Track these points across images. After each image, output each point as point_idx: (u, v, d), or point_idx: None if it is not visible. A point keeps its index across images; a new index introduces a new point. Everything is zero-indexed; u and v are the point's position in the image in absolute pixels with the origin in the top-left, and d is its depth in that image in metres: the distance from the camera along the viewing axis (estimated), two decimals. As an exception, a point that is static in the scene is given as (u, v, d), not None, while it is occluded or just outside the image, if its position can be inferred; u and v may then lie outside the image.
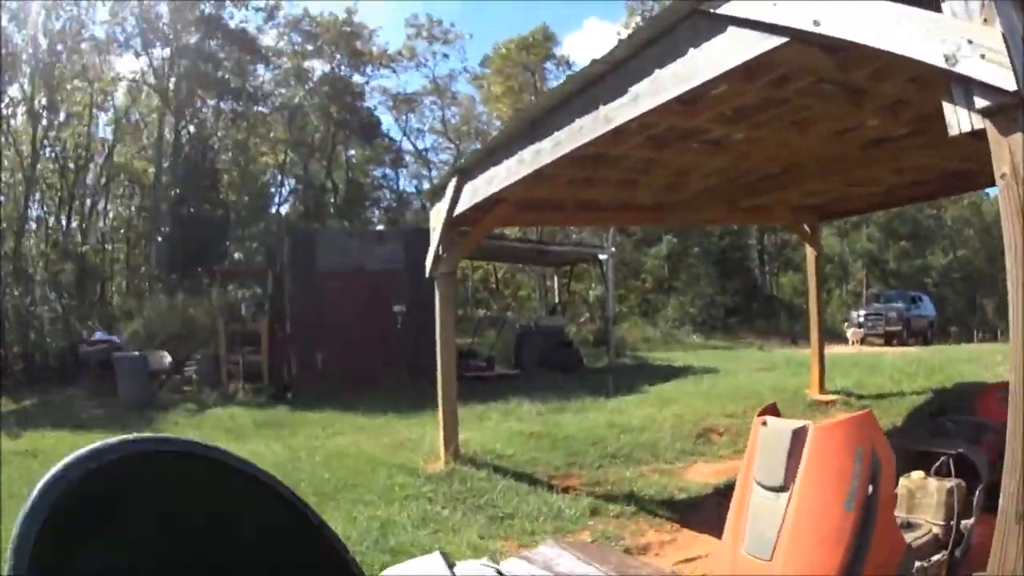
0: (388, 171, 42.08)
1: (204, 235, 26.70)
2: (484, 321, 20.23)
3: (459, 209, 6.49)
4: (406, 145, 41.19)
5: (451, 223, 6.77)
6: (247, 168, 34.20)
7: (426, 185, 43.02)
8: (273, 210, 37.72)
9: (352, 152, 38.95)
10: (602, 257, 18.75)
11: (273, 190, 38.31)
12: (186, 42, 30.06)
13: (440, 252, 7.07)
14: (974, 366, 11.72)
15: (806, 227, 10.14)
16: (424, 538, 5.04)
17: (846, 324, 30.67)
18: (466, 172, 6.39)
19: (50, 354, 17.94)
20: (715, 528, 3.84)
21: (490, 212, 7.15)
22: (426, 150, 41.78)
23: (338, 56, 35.24)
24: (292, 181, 37.90)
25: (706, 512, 5.71)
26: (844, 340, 31.27)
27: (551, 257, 18.72)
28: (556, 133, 4.93)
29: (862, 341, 26.87)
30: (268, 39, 33.98)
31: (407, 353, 13.79)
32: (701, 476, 6.80)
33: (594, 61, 4.36)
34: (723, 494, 5.75)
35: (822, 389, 9.85)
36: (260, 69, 34.46)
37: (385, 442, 8.42)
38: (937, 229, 43.03)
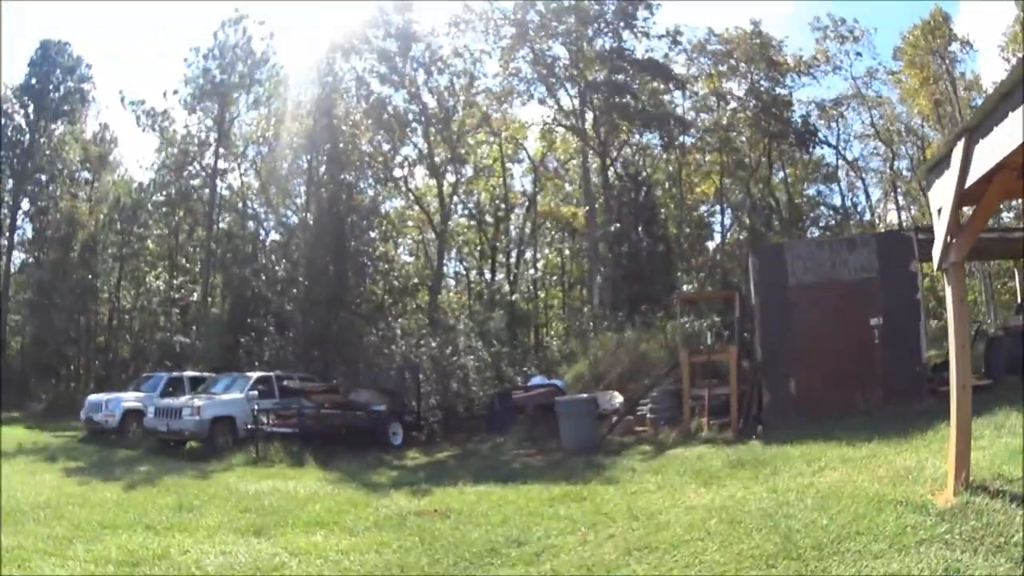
0: (822, 187, 40.15)
1: (647, 271, 26.85)
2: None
3: (971, 179, 5.15)
4: (833, 156, 38.50)
5: (960, 199, 5.43)
6: (683, 199, 34.70)
7: (861, 198, 40.22)
8: (715, 238, 37.94)
9: (784, 172, 37.50)
10: None
11: (712, 218, 38.57)
12: (594, 78, 31.33)
13: (948, 239, 5.72)
14: None
15: None
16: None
17: None
18: (975, 129, 5.04)
19: (476, 403, 17.77)
20: None
21: (991, 184, 5.64)
22: (856, 159, 38.69)
23: (755, 71, 34.31)
24: (728, 209, 37.71)
25: None
26: None
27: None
28: None
29: None
30: (678, 67, 34.32)
31: (886, 371, 12.20)
32: None
33: None
34: None
35: None
36: (677, 97, 34.89)
37: (880, 474, 7.16)
38: None
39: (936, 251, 5.95)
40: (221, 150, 32.32)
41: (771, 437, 11.09)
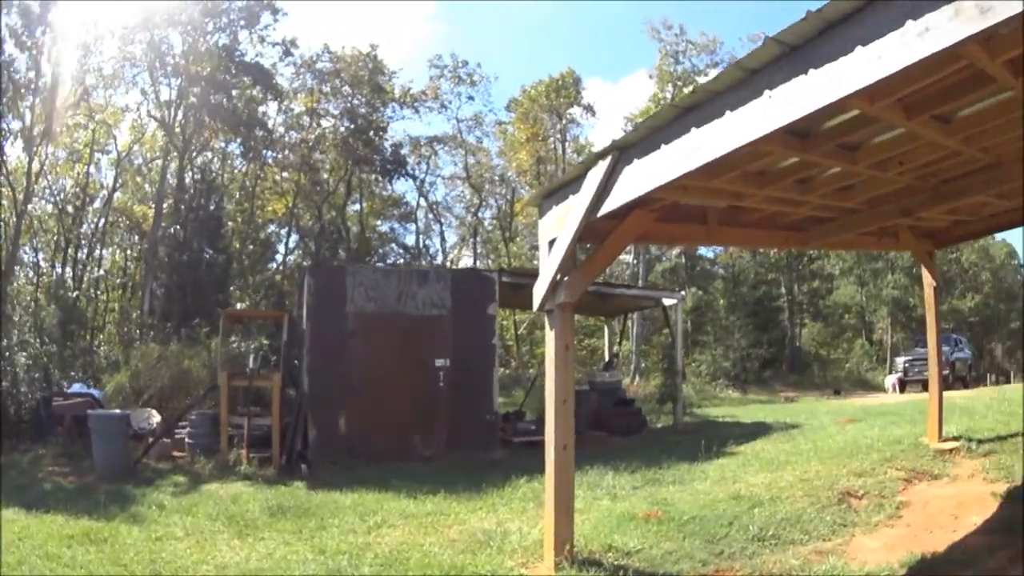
0: (397, 225, 41.01)
1: (204, 282, 24.69)
2: (526, 379, 18.20)
3: (611, 205, 4.50)
4: (415, 194, 39.88)
5: (586, 230, 4.78)
6: (253, 214, 32.52)
7: (436, 241, 42.23)
8: (278, 259, 36.06)
9: (361, 203, 37.42)
10: (669, 302, 16.46)
11: (278, 240, 36.70)
12: (197, 71, 28.37)
13: (559, 276, 5.03)
14: None
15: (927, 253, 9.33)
16: None
17: (891, 371, 30.20)
18: (628, 149, 4.42)
19: (24, 406, 15.22)
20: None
21: (623, 222, 5.26)
22: (438, 202, 40.47)
23: (358, 95, 33.78)
24: (296, 233, 36.23)
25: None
26: (874, 388, 30.21)
27: (614, 302, 16.44)
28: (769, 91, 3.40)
29: (903, 388, 25.89)
30: (283, 80, 32.65)
31: (452, 416, 11.77)
32: (871, 553, 5.49)
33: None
34: (918, 573, 4.94)
35: (940, 437, 9.03)
36: (272, 109, 32.96)
37: (453, 537, 6.23)
38: (958, 273, 42.99)
39: (540, 288, 5.19)
40: None
41: (318, 480, 9.78)
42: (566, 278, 5.02)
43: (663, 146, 4.10)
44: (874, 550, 5.54)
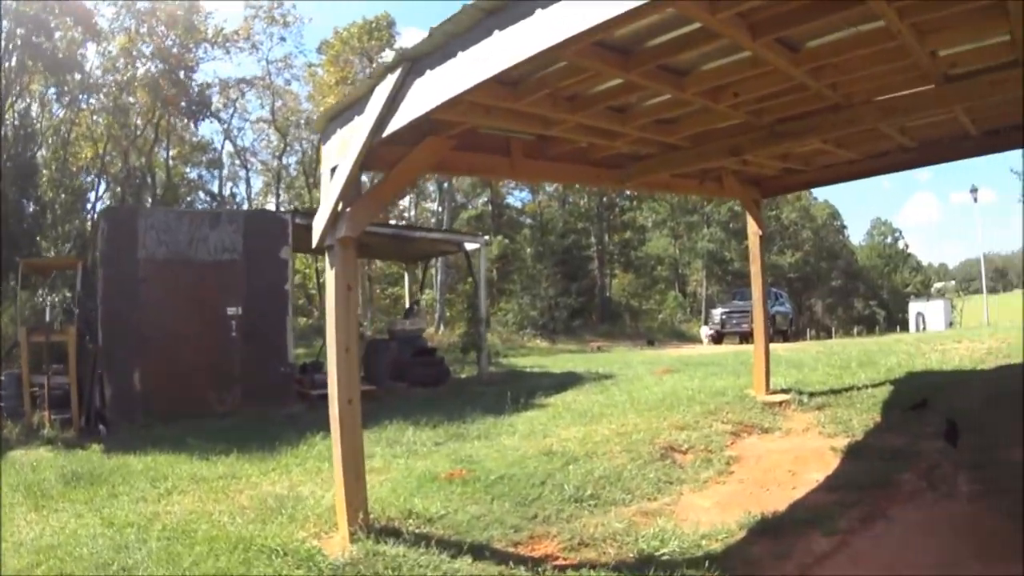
0: (204, 172, 38.73)
1: (16, 232, 21.81)
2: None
3: (399, 123, 3.98)
4: (221, 139, 37.88)
5: (371, 153, 4.30)
6: (66, 160, 29.43)
7: (242, 188, 40.10)
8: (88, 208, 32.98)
9: (168, 149, 34.74)
10: (472, 247, 15.95)
11: (91, 188, 33.51)
12: (22, 11, 24.79)
13: (340, 206, 4.55)
14: (896, 357, 11.15)
15: (753, 201, 9.02)
16: None
17: (707, 322, 30.92)
18: (421, 60, 3.87)
19: None
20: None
21: (415, 149, 4.82)
22: (245, 149, 38.43)
23: (173, 33, 30.88)
24: (106, 179, 33.14)
25: (765, 567, 4.17)
26: (691, 340, 31.69)
27: (415, 246, 15.96)
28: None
29: (719, 340, 26.83)
30: (104, 21, 29.26)
31: (246, 368, 11.00)
32: (704, 513, 5.14)
33: None
34: (761, 535, 4.57)
35: (768, 389, 8.73)
36: (91, 52, 29.71)
37: (244, 503, 5.63)
38: (778, 230, 45.32)
39: (320, 221, 4.62)
40: None
41: (115, 441, 8.85)
42: (348, 209, 4.48)
43: (459, 54, 3.58)
44: (707, 509, 5.23)
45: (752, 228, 9.05)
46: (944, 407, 7.08)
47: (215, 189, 38.51)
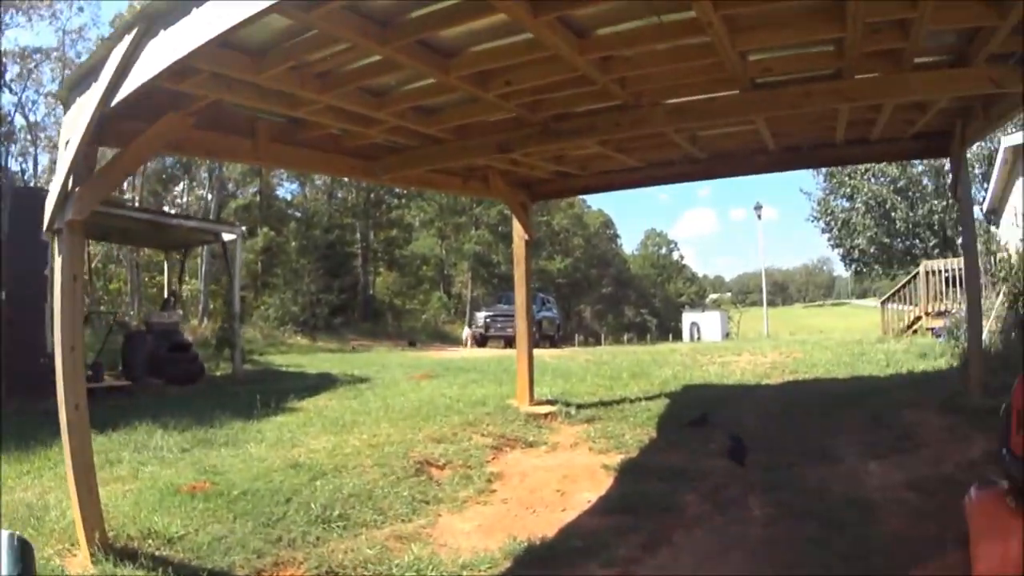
0: None
1: None
2: (92, 319, 15.49)
3: (128, 89, 3.53)
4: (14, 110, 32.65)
5: (107, 127, 3.82)
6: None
7: (31, 165, 34.75)
8: None
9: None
10: (228, 237, 14.95)
11: None
12: None
13: (70, 185, 3.98)
14: (671, 368, 11.34)
15: (520, 205, 8.75)
16: None
17: (470, 324, 30.98)
18: (158, 18, 3.38)
19: None
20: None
21: (155, 123, 4.33)
22: (37, 123, 33.70)
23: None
24: None
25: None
26: (454, 342, 31.98)
27: (172, 233, 14.66)
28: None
29: (483, 343, 27.05)
30: None
31: (9, 359, 9.85)
32: (464, 538, 4.81)
33: None
34: (528, 565, 4.25)
35: (532, 399, 8.49)
36: None
37: None
38: (549, 235, 47.40)
39: (50, 200, 4.10)
40: None
41: None
42: (77, 188, 3.99)
43: (194, 10, 3.17)
44: (467, 534, 4.84)
45: (519, 232, 8.70)
46: (728, 423, 7.00)
47: (4, 163, 32.85)
